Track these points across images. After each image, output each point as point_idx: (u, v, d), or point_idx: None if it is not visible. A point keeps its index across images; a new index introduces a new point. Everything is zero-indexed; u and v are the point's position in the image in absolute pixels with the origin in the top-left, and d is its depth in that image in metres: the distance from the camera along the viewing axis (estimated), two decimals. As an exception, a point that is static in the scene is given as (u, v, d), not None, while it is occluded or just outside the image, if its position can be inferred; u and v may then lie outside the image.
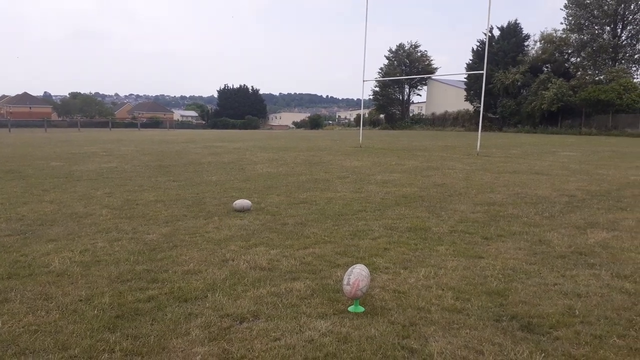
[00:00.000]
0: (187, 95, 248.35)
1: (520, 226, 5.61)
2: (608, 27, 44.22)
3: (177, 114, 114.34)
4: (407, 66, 60.48)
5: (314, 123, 75.91)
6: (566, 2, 44.73)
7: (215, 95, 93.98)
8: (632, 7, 42.47)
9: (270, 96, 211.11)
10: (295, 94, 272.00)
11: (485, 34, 38.53)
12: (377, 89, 61.09)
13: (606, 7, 42.55)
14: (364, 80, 22.41)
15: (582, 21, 44.10)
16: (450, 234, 5.22)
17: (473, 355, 2.59)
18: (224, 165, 12.49)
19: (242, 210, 6.36)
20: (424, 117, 60.74)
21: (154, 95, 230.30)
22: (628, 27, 43.85)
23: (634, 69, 44.14)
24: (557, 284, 3.67)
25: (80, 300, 3.31)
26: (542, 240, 4.99)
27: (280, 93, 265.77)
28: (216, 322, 2.99)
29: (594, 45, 43.04)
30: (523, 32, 48.94)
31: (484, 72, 17.41)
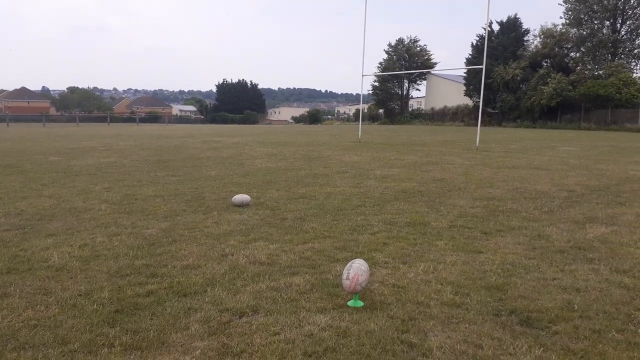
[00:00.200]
0: (186, 90, 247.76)
1: (520, 221, 5.61)
2: (608, 22, 44.05)
3: (176, 109, 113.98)
4: (407, 61, 60.25)
5: (313, 118, 75.73)
6: (566, -4, 44.59)
7: (214, 90, 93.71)
8: (631, 1, 42.28)
9: (269, 91, 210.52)
10: (294, 88, 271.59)
11: (484, 29, 38.41)
12: (376, 83, 60.90)
13: (606, 1, 42.34)
14: (363, 75, 22.37)
15: (582, 16, 43.95)
16: (450, 229, 5.22)
17: (472, 349, 2.60)
18: (223, 160, 12.47)
19: (241, 205, 6.36)
20: (423, 112, 60.65)
21: (152, 89, 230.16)
22: (628, 22, 43.71)
23: (634, 63, 44.09)
24: (556, 279, 3.68)
25: (80, 295, 3.31)
26: (541, 235, 5.00)
27: (279, 88, 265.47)
28: (215, 316, 2.99)
29: (594, 40, 42.91)
30: (523, 26, 48.81)
31: (484, 66, 17.37)
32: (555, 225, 5.42)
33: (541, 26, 50.45)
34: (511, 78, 45.00)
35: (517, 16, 49.01)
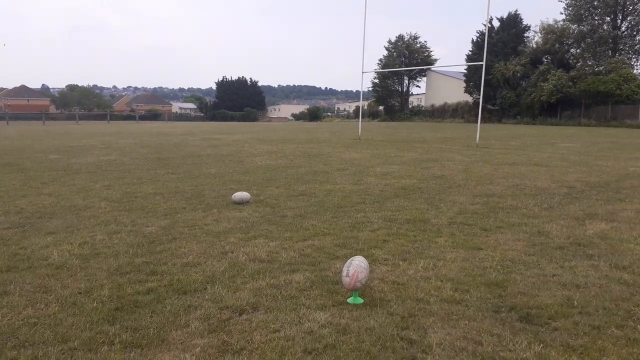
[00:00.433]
0: (186, 88, 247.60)
1: (519, 217, 5.61)
2: (608, 18, 43.95)
3: (176, 106, 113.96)
4: (407, 57, 60.16)
5: (313, 115, 75.71)
6: (566, -8, 44.46)
7: (214, 87, 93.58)
8: (632, -3, 42.21)
9: (269, 88, 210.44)
10: (294, 85, 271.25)
11: (485, 25, 38.32)
12: (376, 80, 60.80)
13: (606, -3, 42.27)
14: (362, 72, 22.31)
15: (582, 12, 43.81)
16: (449, 226, 5.22)
17: (472, 346, 2.60)
18: (222, 157, 12.47)
19: (241, 203, 6.36)
20: (423, 108, 60.54)
21: (152, 87, 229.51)
22: (628, 18, 43.56)
23: (634, 60, 44.00)
24: (556, 275, 3.68)
25: (80, 293, 3.32)
26: (541, 231, 4.99)
27: (279, 85, 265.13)
28: (215, 314, 2.99)
29: (594, 36, 42.80)
30: (523, 22, 48.69)
31: (484, 63, 17.34)
32: (555, 221, 5.42)
33: (541, 22, 50.36)
34: (511, 74, 44.90)
35: (518, 12, 48.94)
